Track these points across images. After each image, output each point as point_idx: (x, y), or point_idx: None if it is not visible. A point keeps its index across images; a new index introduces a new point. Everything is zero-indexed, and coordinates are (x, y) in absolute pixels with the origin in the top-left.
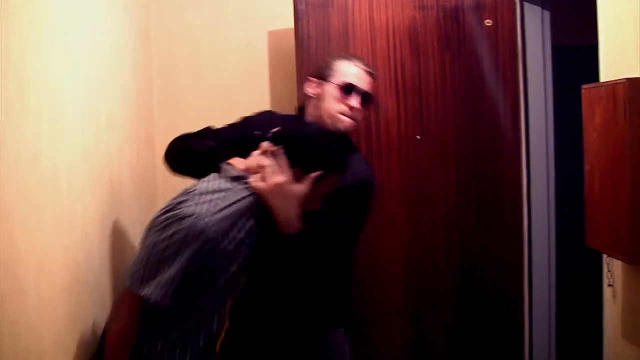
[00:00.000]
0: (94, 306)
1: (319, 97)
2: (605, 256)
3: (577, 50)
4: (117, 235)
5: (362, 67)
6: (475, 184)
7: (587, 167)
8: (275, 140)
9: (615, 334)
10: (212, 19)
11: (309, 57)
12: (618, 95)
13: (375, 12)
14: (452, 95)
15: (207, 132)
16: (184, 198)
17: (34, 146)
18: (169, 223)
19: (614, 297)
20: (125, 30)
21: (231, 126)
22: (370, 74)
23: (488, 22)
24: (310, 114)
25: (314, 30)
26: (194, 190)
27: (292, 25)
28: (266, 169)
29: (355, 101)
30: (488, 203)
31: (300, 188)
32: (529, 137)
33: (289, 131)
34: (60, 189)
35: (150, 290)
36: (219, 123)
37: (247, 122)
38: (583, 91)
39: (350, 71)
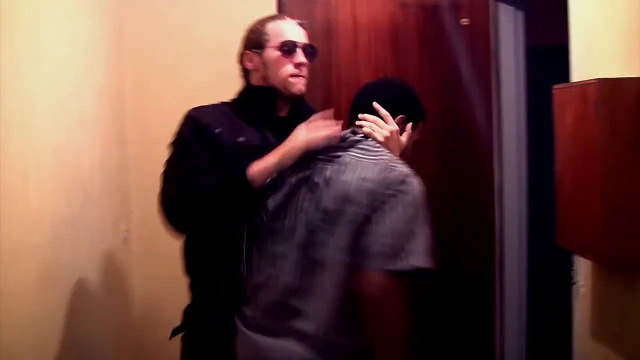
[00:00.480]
0: (67, 306)
1: (262, 68)
2: (575, 255)
3: (551, 50)
4: (88, 235)
5: (292, 20)
6: (451, 182)
7: (557, 167)
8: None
9: (583, 332)
10: (186, 17)
11: None
12: (588, 96)
13: (358, 8)
14: (430, 93)
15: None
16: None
17: (3, 142)
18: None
19: (583, 295)
20: (97, 27)
21: (195, 151)
22: (301, 25)
23: (464, 21)
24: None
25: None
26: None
27: None
28: (377, 121)
29: (300, 56)
30: (463, 201)
31: (404, 137)
32: (501, 136)
33: (384, 82)
34: (29, 185)
35: (419, 260)
36: None
37: (201, 129)
38: (554, 91)
39: (283, 28)
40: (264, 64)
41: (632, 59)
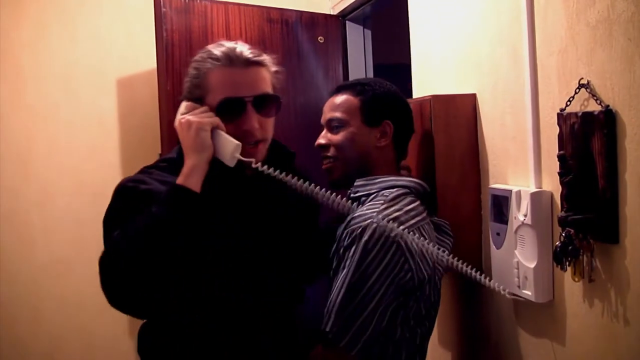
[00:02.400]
0: None
1: None
2: None
3: (397, 68)
4: None
5: (244, 52)
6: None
7: None
8: None
9: (432, 340)
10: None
11: (173, 66)
12: (424, 111)
13: (231, 20)
14: (292, 108)
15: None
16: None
17: None
18: None
19: None
20: None
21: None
22: (256, 62)
23: (320, 39)
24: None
25: (176, 37)
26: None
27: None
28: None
29: (249, 120)
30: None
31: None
32: None
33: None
34: None
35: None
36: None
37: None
38: None
39: (227, 77)
40: None
41: (465, 77)
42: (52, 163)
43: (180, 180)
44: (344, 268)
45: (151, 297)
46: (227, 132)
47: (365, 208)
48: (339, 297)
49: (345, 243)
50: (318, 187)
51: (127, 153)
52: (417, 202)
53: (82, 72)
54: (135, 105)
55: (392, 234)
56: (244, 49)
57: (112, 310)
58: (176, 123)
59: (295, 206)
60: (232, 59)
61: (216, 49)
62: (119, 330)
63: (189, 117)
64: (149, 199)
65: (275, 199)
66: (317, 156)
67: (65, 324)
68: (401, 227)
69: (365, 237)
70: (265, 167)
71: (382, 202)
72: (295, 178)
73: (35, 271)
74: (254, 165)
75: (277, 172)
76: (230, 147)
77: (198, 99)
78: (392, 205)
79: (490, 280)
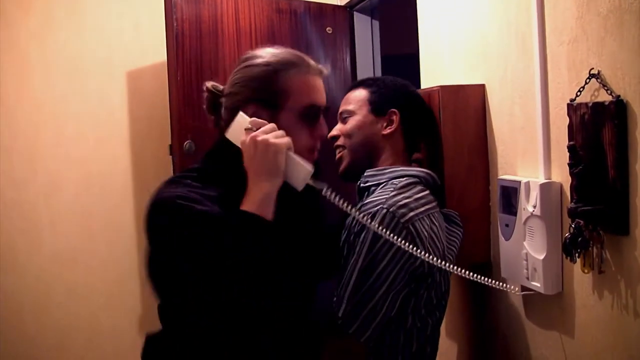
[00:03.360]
0: None
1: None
2: None
3: (406, 59)
4: None
5: (315, 65)
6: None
7: None
8: None
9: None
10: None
11: (183, 57)
12: (433, 101)
13: (240, 10)
14: None
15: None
16: None
17: None
18: None
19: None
20: None
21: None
22: (322, 73)
23: (329, 30)
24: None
25: (187, 26)
26: None
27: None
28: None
29: (323, 127)
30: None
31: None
32: None
33: None
34: None
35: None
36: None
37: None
38: None
39: (311, 83)
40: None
41: (473, 68)
42: (59, 155)
43: (253, 208)
44: (354, 254)
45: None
46: (301, 138)
47: (374, 195)
48: (351, 282)
49: (356, 230)
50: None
51: (135, 145)
52: (427, 192)
53: (89, 64)
54: (143, 97)
55: (403, 220)
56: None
57: (118, 301)
58: (246, 140)
59: (319, 213)
60: (310, 66)
61: (286, 54)
62: (125, 320)
63: (265, 137)
64: (208, 222)
65: (308, 210)
66: (328, 150)
67: (72, 314)
68: (411, 214)
69: (375, 223)
70: (333, 194)
71: (391, 189)
72: (355, 209)
73: (42, 262)
74: (324, 193)
75: (341, 201)
76: (303, 172)
77: (268, 102)
78: (401, 193)
79: (496, 282)
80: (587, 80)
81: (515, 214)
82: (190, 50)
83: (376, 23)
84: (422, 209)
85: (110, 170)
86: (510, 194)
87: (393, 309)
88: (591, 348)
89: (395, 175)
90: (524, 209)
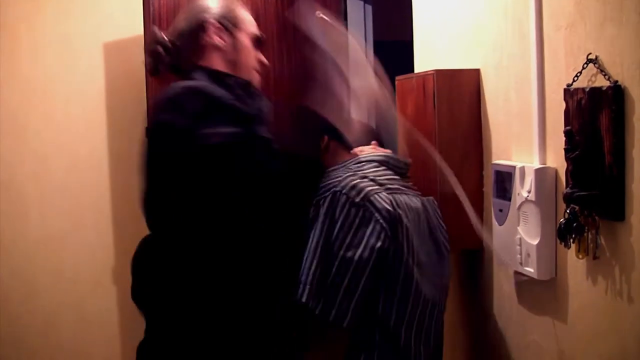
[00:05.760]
0: None
1: (232, 50)
2: None
3: (400, 45)
4: None
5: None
6: None
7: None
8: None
9: None
10: None
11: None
12: (427, 86)
13: None
14: (288, 84)
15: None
16: None
17: None
18: None
19: None
20: None
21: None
22: None
23: (318, 14)
24: (218, 68)
25: (164, 12)
26: None
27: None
28: None
29: (261, 55)
30: None
31: None
32: None
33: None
34: None
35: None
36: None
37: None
38: (396, 82)
39: (252, 21)
40: (235, 47)
41: (468, 53)
42: (48, 137)
43: None
44: (312, 238)
45: None
46: (252, 55)
47: (329, 179)
48: (312, 267)
49: (312, 215)
50: None
51: (125, 126)
52: (383, 168)
53: (79, 46)
54: (138, 79)
55: (357, 199)
56: None
57: (106, 285)
58: None
59: None
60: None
61: None
62: (112, 305)
63: None
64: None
65: None
66: (311, 139)
67: (59, 299)
68: (366, 190)
69: (328, 204)
70: None
71: (344, 171)
72: None
73: (30, 246)
74: None
75: None
76: None
77: (232, 25)
78: (354, 174)
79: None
80: (585, 66)
81: (509, 199)
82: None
83: (369, 8)
84: (376, 186)
85: (99, 154)
86: (504, 179)
87: (368, 288)
88: (584, 334)
89: (348, 164)
90: (518, 194)
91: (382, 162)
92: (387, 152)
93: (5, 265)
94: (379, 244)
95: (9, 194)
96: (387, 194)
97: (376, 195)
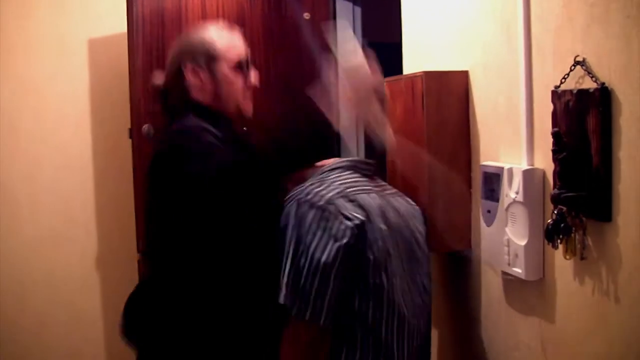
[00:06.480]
0: None
1: (210, 85)
2: None
3: (389, 47)
4: None
5: (232, 31)
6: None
7: (389, 157)
8: None
9: None
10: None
11: (144, 42)
12: (416, 87)
13: None
14: (275, 87)
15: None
16: None
17: None
18: None
19: None
20: None
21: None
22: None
23: (306, 15)
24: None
25: (147, 13)
26: None
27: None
28: None
29: (252, 77)
30: None
31: None
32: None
33: None
34: None
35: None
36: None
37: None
38: (385, 84)
39: (233, 46)
40: (214, 81)
41: (456, 54)
42: (39, 136)
43: None
44: (286, 243)
45: None
46: (237, 84)
47: (292, 191)
48: (286, 270)
49: (282, 225)
50: None
51: (118, 127)
52: (349, 172)
53: (72, 44)
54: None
55: (320, 203)
56: None
57: (98, 285)
58: None
59: None
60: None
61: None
62: (105, 305)
63: None
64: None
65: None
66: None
67: (51, 299)
68: (328, 195)
69: (295, 211)
70: None
71: (309, 182)
72: None
73: (22, 246)
74: None
75: None
76: None
77: (205, 59)
78: (318, 181)
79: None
80: (572, 68)
81: (497, 200)
82: (152, 35)
83: (358, 9)
84: (339, 189)
85: (87, 153)
86: (492, 180)
87: (339, 287)
88: (571, 334)
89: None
90: (506, 195)
91: (347, 167)
92: (352, 158)
93: None
94: (344, 242)
95: (0, 194)
96: (352, 194)
97: (339, 198)
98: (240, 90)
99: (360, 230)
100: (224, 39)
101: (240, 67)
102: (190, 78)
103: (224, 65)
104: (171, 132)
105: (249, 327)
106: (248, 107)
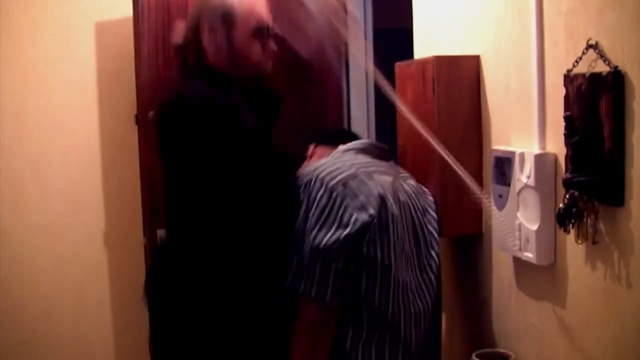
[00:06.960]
0: None
1: (226, 49)
2: None
3: (400, 32)
4: None
5: None
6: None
7: (400, 142)
8: None
9: None
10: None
11: (149, 28)
12: (427, 72)
13: None
14: (282, 74)
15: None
16: None
17: None
18: None
19: None
20: None
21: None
22: None
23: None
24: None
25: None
26: None
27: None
28: None
29: (272, 44)
30: None
31: None
32: (350, 115)
33: None
34: None
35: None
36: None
37: None
38: (396, 68)
39: (252, 12)
40: (230, 46)
41: (468, 39)
42: (47, 122)
43: None
44: (294, 224)
45: None
46: (255, 49)
47: (308, 167)
48: (294, 250)
49: (289, 200)
50: None
51: (126, 112)
52: (362, 155)
53: (79, 29)
54: (126, 63)
55: (332, 183)
56: None
57: (106, 270)
58: None
59: None
60: None
61: None
62: (114, 290)
63: None
64: None
65: None
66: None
67: (59, 284)
68: (340, 176)
69: (305, 190)
70: None
71: (323, 160)
72: None
73: (29, 231)
74: None
75: None
76: None
77: (224, 23)
78: (330, 161)
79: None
80: (585, 51)
81: (508, 184)
82: (157, 22)
83: None
84: (351, 170)
85: (94, 138)
86: (504, 165)
87: (345, 269)
88: (583, 318)
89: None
90: (517, 179)
91: (360, 150)
92: (365, 140)
93: (6, 252)
94: (350, 231)
95: (8, 180)
96: (363, 176)
97: (350, 179)
98: (257, 57)
99: (369, 224)
100: (245, 3)
101: (260, 33)
102: (206, 39)
103: (241, 29)
104: (171, 100)
105: (261, 297)
106: (266, 73)
